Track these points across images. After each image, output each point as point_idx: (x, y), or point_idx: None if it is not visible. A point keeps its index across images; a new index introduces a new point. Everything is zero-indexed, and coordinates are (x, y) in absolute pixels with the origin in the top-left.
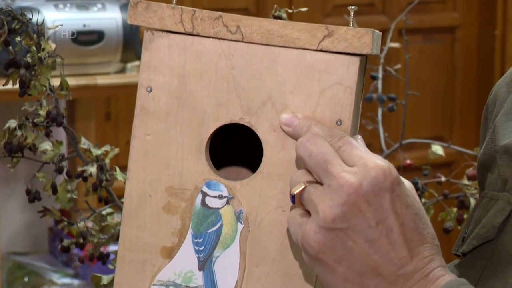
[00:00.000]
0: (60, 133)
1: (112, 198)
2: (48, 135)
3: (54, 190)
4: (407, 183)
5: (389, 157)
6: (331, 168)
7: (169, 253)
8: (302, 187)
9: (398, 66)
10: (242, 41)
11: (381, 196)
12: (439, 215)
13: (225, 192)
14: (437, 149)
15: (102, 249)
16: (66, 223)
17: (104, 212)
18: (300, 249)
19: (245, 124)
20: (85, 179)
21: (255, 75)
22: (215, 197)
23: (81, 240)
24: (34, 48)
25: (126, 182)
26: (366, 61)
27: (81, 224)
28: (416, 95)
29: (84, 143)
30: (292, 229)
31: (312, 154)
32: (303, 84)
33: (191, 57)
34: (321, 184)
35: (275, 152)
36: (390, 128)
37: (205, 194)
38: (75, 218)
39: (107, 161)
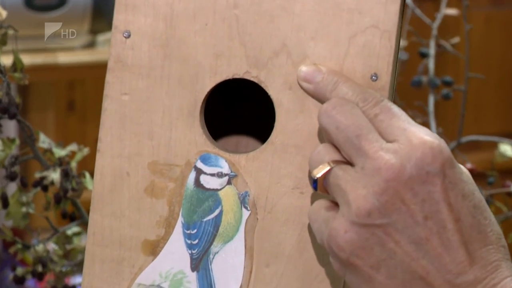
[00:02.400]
0: (10, 128)
1: (79, 213)
2: None
3: (5, 203)
4: (463, 168)
5: None
6: (365, 145)
7: (153, 248)
8: (327, 168)
9: (456, 39)
10: None
11: (429, 183)
12: (508, 236)
13: (226, 169)
14: (507, 149)
15: (66, 280)
16: (20, 245)
17: (69, 232)
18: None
19: (251, 79)
20: (45, 189)
21: (265, 17)
22: (212, 175)
23: (40, 268)
24: None
25: (97, 157)
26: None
27: (39, 247)
28: (480, 79)
29: (44, 141)
30: (316, 225)
31: (340, 126)
32: (327, 28)
33: None
34: (352, 165)
35: (292, 117)
36: (445, 121)
37: (199, 172)
38: (31, 239)
39: (73, 164)
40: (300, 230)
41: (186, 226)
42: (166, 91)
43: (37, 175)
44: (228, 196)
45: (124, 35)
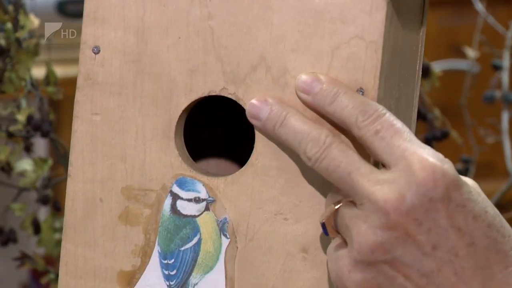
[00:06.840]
0: (42, 147)
1: None
2: (28, 149)
3: (37, 229)
4: (471, 182)
5: None
6: (359, 181)
7: (129, 279)
8: (332, 210)
9: None
10: None
11: (434, 210)
12: None
13: (203, 194)
14: None
15: None
16: (52, 276)
17: None
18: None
19: (229, 96)
20: None
21: (242, 28)
22: (189, 200)
23: None
24: (9, 25)
25: (68, 182)
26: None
27: None
28: None
29: None
30: (329, 265)
31: (329, 168)
32: (309, 39)
33: (153, 4)
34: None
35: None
36: None
37: (176, 197)
38: None
39: None
40: (284, 259)
41: (163, 255)
42: (139, 110)
43: None
44: (207, 223)
45: (94, 50)
